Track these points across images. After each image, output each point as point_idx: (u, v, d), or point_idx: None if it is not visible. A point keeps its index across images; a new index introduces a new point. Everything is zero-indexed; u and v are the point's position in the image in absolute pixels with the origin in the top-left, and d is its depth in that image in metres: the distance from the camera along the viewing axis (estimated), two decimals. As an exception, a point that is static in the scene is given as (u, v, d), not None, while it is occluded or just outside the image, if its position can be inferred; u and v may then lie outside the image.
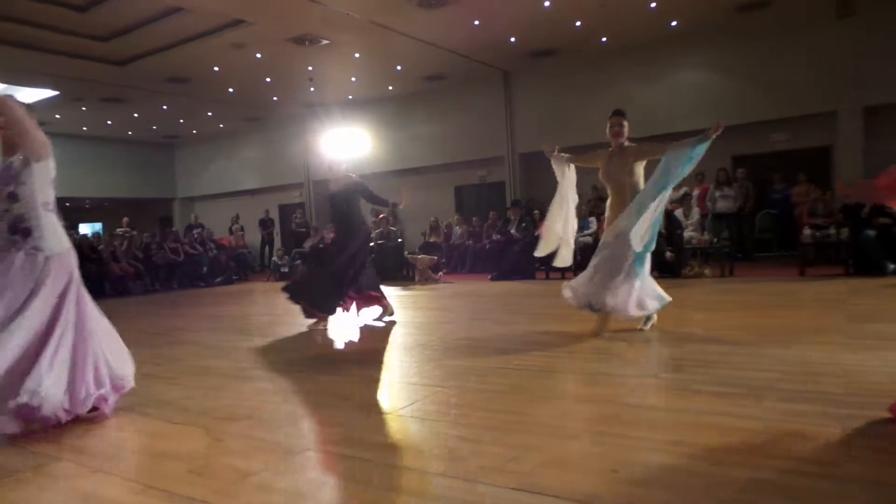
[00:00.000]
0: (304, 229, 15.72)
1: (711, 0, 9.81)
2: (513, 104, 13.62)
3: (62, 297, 2.84)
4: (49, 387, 2.71)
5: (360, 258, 5.83)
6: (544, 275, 10.30)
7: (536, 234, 11.04)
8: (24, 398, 2.66)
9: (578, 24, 10.58)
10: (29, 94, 13.34)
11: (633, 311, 4.34)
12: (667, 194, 4.32)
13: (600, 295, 4.30)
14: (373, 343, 5.08)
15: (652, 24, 10.70)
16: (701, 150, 4.13)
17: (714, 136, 4.07)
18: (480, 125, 13.88)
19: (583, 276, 4.53)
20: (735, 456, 2.15)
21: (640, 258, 4.29)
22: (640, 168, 4.43)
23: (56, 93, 13.05)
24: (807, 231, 8.72)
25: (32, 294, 2.75)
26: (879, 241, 7.69)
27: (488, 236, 12.21)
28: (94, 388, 2.92)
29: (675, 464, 2.11)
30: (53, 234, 2.85)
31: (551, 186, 5.08)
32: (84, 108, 14.40)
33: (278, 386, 3.60)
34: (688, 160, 4.16)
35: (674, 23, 10.78)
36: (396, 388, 3.54)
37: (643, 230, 4.21)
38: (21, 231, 2.76)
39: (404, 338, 5.26)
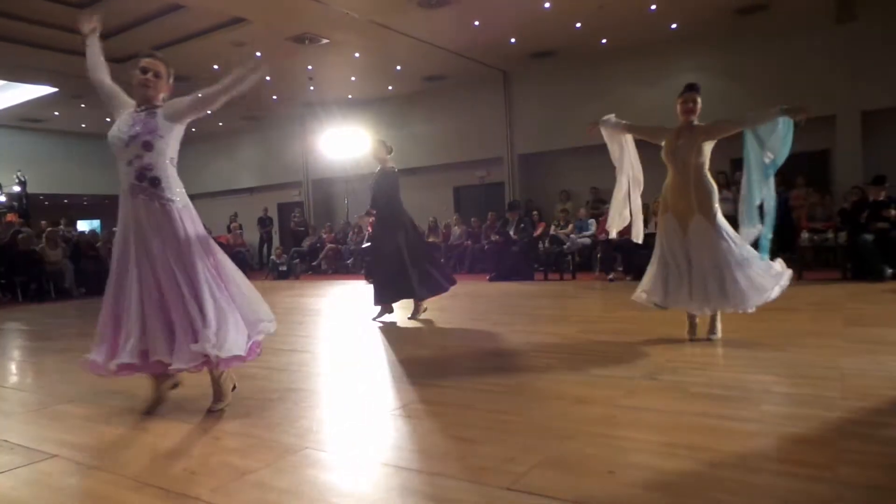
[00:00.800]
0: (302, 228, 15.74)
1: (711, 2, 9.83)
2: (512, 105, 13.63)
3: (208, 242, 2.95)
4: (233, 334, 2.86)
5: (408, 250, 5.81)
6: (543, 276, 10.32)
7: (536, 234, 11.09)
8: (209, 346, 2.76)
9: (578, 25, 10.60)
10: (28, 91, 13.35)
11: (755, 302, 4.03)
12: (770, 180, 4.16)
13: (715, 301, 4.03)
14: (370, 342, 5.08)
15: (652, 25, 10.72)
16: (788, 131, 3.91)
17: (797, 119, 3.86)
18: (480, 126, 13.89)
19: (668, 280, 4.18)
20: (731, 458, 2.15)
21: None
22: (708, 148, 4.14)
23: (55, 90, 13.05)
24: (805, 235, 8.74)
25: (184, 242, 2.85)
26: (877, 245, 7.72)
27: (487, 237, 12.22)
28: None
29: (671, 466, 2.11)
30: (179, 187, 2.93)
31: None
32: (83, 106, 14.39)
33: (276, 384, 3.60)
34: (783, 143, 3.95)
35: (673, 25, 10.81)
36: (393, 388, 3.54)
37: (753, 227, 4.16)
38: (149, 180, 2.82)
39: (402, 337, 5.26)
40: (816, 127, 10.66)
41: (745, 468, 2.06)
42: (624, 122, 4.49)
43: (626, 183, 4.53)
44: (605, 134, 4.54)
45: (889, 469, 2.01)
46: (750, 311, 4.04)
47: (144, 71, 2.93)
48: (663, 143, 4.23)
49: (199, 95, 2.98)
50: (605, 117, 4.51)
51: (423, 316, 5.99)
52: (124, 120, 2.91)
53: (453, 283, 6.18)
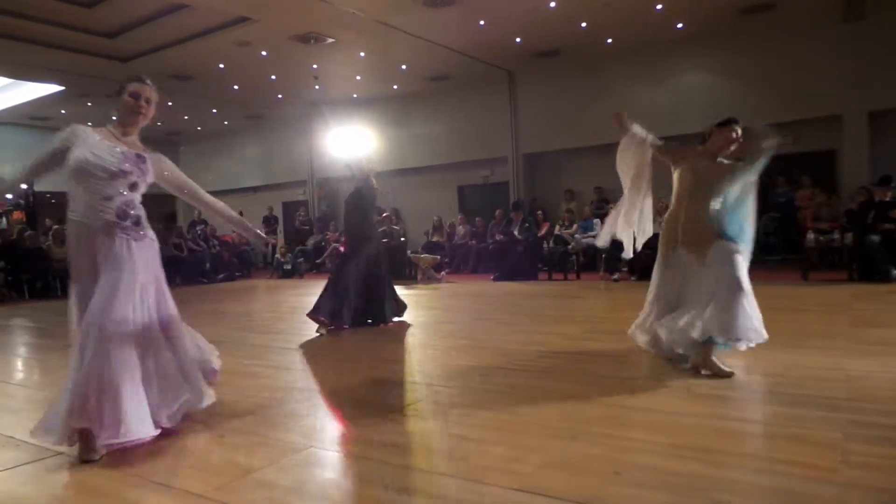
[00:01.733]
0: (307, 227, 15.76)
1: (717, 2, 9.79)
2: (517, 104, 13.61)
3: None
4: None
5: (370, 273, 5.58)
6: (547, 276, 10.31)
7: (540, 234, 11.07)
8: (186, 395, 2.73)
9: (584, 24, 10.57)
10: (35, 90, 13.41)
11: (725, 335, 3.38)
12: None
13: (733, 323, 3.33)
14: (375, 342, 5.08)
15: (657, 25, 10.68)
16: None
17: None
18: (484, 125, 13.88)
19: (679, 315, 3.57)
20: (736, 459, 2.15)
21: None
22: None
23: (62, 88, 13.09)
24: (810, 235, 8.70)
25: (160, 282, 2.85)
26: (884, 246, 7.68)
27: (491, 236, 12.22)
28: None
29: (676, 466, 2.11)
30: (149, 225, 2.90)
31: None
32: (89, 104, 14.44)
33: (280, 383, 3.61)
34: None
35: (679, 24, 10.77)
36: (399, 388, 3.54)
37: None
38: (131, 217, 2.74)
39: (406, 337, 5.26)
40: (823, 127, 10.66)
41: (750, 469, 2.06)
42: (653, 139, 3.85)
43: (639, 202, 4.01)
44: (625, 144, 3.94)
45: (893, 471, 2.00)
46: (718, 341, 3.38)
47: (137, 97, 2.85)
48: (682, 169, 3.75)
49: (196, 189, 3.07)
50: (634, 127, 3.88)
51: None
52: (105, 148, 2.75)
53: (389, 320, 5.70)
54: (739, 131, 3.72)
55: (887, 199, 7.99)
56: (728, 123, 3.73)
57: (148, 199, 2.94)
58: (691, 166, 3.71)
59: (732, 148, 3.72)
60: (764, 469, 2.05)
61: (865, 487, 1.89)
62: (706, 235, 3.55)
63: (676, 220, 3.72)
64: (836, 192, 10.35)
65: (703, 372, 3.34)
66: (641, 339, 3.88)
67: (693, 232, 3.62)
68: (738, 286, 3.34)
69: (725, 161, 3.75)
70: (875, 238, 7.74)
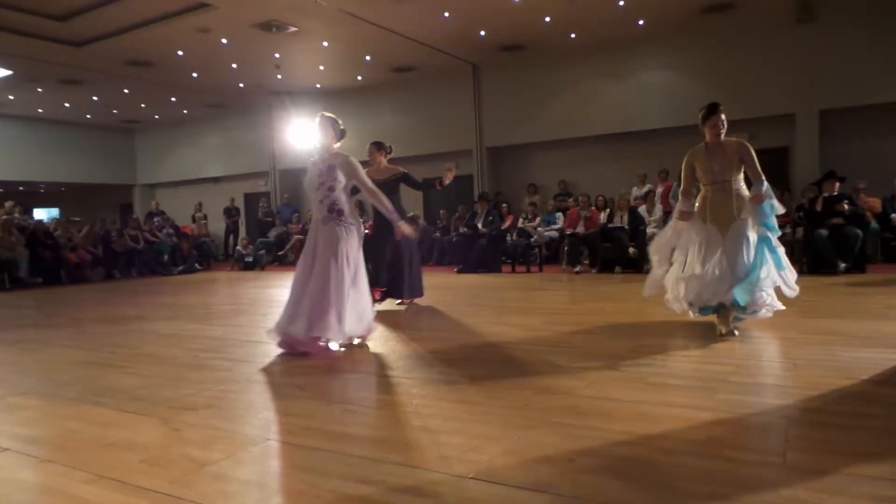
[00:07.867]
0: (269, 219, 15.53)
1: (678, 0, 9.98)
2: (481, 98, 13.65)
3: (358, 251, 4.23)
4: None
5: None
6: (510, 268, 10.40)
7: (504, 227, 11.14)
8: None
9: (548, 19, 10.65)
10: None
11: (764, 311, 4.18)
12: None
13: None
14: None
15: (620, 22, 10.83)
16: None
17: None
18: (449, 118, 13.88)
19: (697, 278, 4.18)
20: (688, 446, 2.21)
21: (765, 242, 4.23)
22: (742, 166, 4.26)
23: (10, 73, 12.58)
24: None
25: (354, 250, 4.19)
26: (831, 240, 7.97)
27: (455, 229, 12.24)
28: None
29: (629, 454, 2.16)
30: (353, 213, 4.26)
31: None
32: (40, 90, 13.91)
33: (238, 375, 3.56)
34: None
35: (641, 21, 10.94)
36: (357, 378, 3.53)
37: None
38: (337, 211, 4.16)
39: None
40: (777, 125, 10.99)
41: (701, 455, 2.12)
42: (684, 199, 4.42)
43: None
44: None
45: (834, 455, 2.08)
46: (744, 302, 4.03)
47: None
48: (697, 171, 4.31)
49: (373, 190, 4.42)
50: (682, 208, 4.39)
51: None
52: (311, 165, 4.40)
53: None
54: (723, 116, 4.17)
55: (835, 192, 8.29)
56: (710, 116, 4.18)
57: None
58: (704, 165, 4.25)
59: (723, 131, 4.17)
60: (714, 454, 2.11)
61: (805, 470, 1.96)
62: (729, 215, 4.16)
63: (705, 204, 4.27)
64: (789, 187, 10.68)
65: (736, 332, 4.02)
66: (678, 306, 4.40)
67: (717, 212, 4.20)
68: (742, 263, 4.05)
69: (731, 139, 4.22)
70: (823, 232, 8.03)
